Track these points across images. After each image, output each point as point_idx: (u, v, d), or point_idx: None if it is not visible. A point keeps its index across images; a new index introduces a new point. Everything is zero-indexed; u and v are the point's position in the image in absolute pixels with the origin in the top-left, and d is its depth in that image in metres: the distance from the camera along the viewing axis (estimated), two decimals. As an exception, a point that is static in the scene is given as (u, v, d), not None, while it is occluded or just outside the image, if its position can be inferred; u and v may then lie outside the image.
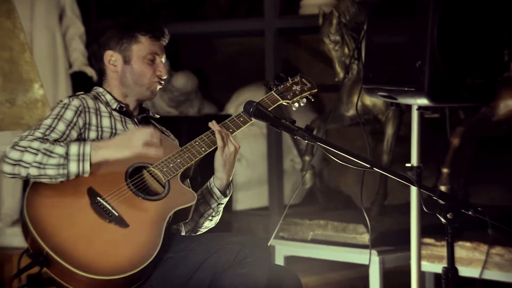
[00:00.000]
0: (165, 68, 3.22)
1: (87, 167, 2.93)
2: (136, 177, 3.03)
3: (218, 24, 6.51)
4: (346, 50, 5.05)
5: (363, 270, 4.91)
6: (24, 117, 4.36)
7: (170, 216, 3.01)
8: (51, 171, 2.90)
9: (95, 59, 3.24)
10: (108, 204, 2.95)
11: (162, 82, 3.23)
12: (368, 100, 4.97)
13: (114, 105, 3.17)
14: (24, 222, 2.90)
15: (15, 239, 5.43)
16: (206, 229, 3.28)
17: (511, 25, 3.85)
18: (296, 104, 3.34)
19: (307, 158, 5.12)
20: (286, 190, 6.00)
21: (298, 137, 3.07)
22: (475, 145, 5.48)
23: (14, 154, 2.90)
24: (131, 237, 2.92)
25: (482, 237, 4.50)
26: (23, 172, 2.90)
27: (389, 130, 5.04)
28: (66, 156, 2.91)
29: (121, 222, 2.93)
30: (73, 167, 2.92)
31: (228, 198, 3.24)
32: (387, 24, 3.81)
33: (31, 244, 2.90)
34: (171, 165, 3.07)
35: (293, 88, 3.34)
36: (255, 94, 6.17)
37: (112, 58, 3.19)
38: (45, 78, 5.25)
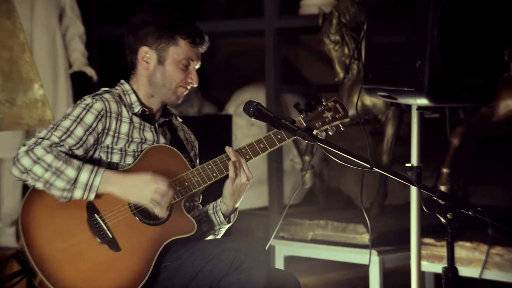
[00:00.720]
0: (197, 76, 3.12)
1: (92, 197, 2.90)
2: None
3: (218, 24, 6.51)
4: (346, 50, 5.04)
5: (363, 270, 4.91)
6: (24, 117, 4.36)
7: (165, 245, 2.95)
8: (55, 192, 2.87)
9: (129, 50, 3.13)
10: (105, 223, 2.91)
11: (189, 88, 3.14)
12: (368, 100, 4.97)
13: (137, 108, 3.08)
14: (18, 228, 2.89)
15: (15, 239, 5.42)
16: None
17: (511, 25, 3.84)
18: (324, 133, 3.18)
19: (307, 158, 5.12)
20: (286, 190, 5.99)
21: (298, 137, 3.06)
22: (475, 145, 5.48)
23: (26, 162, 2.86)
24: (120, 263, 2.88)
25: (482, 237, 4.50)
26: (31, 182, 2.87)
27: (389, 130, 5.04)
28: (74, 182, 2.86)
29: (113, 245, 2.89)
30: (77, 194, 2.88)
31: (231, 224, 3.19)
32: (387, 24, 3.81)
33: (21, 251, 2.89)
34: (178, 188, 3.00)
35: (324, 115, 3.19)
36: (255, 94, 6.17)
37: (146, 54, 3.09)
38: (45, 78, 5.24)
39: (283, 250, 5.05)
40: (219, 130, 5.82)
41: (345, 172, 6.35)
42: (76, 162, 2.89)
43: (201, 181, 3.03)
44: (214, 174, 3.05)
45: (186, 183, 3.02)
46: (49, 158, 2.86)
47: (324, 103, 3.20)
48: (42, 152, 2.87)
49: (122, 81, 3.15)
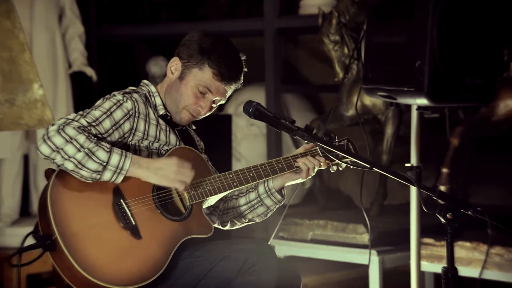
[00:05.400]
0: (209, 108, 3.14)
1: (120, 179, 2.92)
2: (163, 191, 3.01)
3: (218, 24, 6.51)
4: (345, 50, 5.04)
5: (363, 270, 4.91)
6: (24, 117, 4.35)
7: (182, 241, 2.98)
8: (85, 173, 2.87)
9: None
10: (129, 210, 2.93)
11: (195, 118, 3.17)
12: (368, 100, 4.97)
13: (161, 111, 3.12)
14: (44, 201, 2.87)
15: (15, 239, 5.43)
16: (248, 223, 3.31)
17: (511, 25, 3.84)
18: (335, 167, 3.25)
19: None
20: (286, 190, 5.98)
21: (298, 137, 3.07)
22: (474, 145, 5.48)
23: (58, 140, 2.85)
24: (140, 251, 2.90)
25: (481, 237, 4.50)
26: (59, 161, 2.85)
27: (389, 130, 5.03)
28: (105, 165, 2.87)
29: (135, 232, 2.91)
30: (106, 176, 2.89)
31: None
32: (387, 24, 3.81)
33: (43, 224, 2.87)
34: (200, 190, 3.05)
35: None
36: (255, 94, 6.17)
37: (174, 65, 3.14)
38: (44, 78, 5.24)
39: (283, 250, 5.05)
40: (219, 130, 5.81)
41: (345, 172, 6.34)
42: (105, 144, 2.91)
43: (222, 188, 3.08)
44: (235, 184, 3.10)
45: (208, 188, 3.07)
46: (81, 138, 2.86)
47: (338, 140, 3.27)
48: (74, 132, 2.86)
49: (146, 81, 3.20)
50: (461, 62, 3.61)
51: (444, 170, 4.70)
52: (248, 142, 6.34)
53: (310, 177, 3.19)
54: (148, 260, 2.90)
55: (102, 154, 2.88)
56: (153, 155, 3.06)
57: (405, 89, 3.64)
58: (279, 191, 3.23)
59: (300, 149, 3.22)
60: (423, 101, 3.62)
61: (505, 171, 5.68)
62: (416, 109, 3.97)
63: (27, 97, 4.38)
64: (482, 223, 2.93)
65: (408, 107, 4.38)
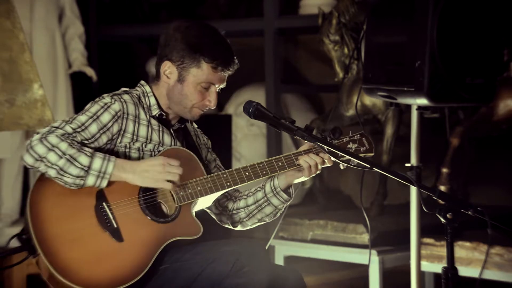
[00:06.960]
0: (216, 98, 3.09)
1: (104, 184, 2.90)
2: (150, 192, 2.98)
3: (218, 24, 6.48)
4: (345, 50, 5.05)
5: (363, 270, 4.91)
6: (24, 117, 4.36)
7: (167, 243, 2.95)
8: (68, 179, 2.87)
9: (158, 56, 3.11)
10: (111, 213, 2.91)
11: (205, 110, 3.12)
12: (368, 100, 4.97)
13: (155, 111, 3.08)
14: (26, 204, 2.88)
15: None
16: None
17: (511, 25, 3.84)
18: (346, 164, 3.09)
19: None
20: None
21: (298, 137, 3.06)
22: (474, 145, 5.48)
23: (40, 149, 2.85)
24: (121, 254, 2.88)
25: (481, 237, 4.50)
26: (43, 169, 2.86)
27: (389, 130, 5.04)
28: (88, 169, 2.86)
29: (116, 235, 2.90)
30: (90, 181, 2.88)
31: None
32: (386, 24, 3.81)
33: (26, 228, 2.89)
34: (189, 191, 3.00)
35: (348, 146, 3.16)
36: (255, 94, 6.17)
37: (168, 69, 3.06)
38: (44, 78, 5.24)
39: (283, 250, 5.05)
40: (219, 130, 5.82)
41: (345, 172, 6.35)
42: (88, 149, 2.90)
43: (214, 188, 3.04)
44: (228, 184, 3.05)
45: (198, 188, 3.02)
46: (63, 145, 2.86)
47: (350, 135, 3.18)
48: (56, 140, 2.87)
49: (142, 82, 3.15)
50: (461, 62, 3.60)
51: (444, 170, 4.70)
52: (248, 142, 6.35)
53: (314, 175, 3.12)
54: (129, 262, 2.88)
55: (83, 159, 2.87)
56: (145, 157, 3.03)
57: (405, 89, 3.64)
58: (286, 190, 3.18)
59: (305, 146, 3.14)
60: (423, 101, 3.62)
61: (505, 171, 5.68)
62: (416, 109, 3.96)
63: (27, 97, 4.38)
64: (482, 223, 2.92)
65: (408, 107, 4.37)
